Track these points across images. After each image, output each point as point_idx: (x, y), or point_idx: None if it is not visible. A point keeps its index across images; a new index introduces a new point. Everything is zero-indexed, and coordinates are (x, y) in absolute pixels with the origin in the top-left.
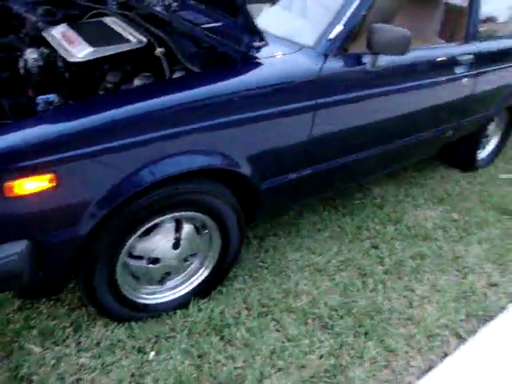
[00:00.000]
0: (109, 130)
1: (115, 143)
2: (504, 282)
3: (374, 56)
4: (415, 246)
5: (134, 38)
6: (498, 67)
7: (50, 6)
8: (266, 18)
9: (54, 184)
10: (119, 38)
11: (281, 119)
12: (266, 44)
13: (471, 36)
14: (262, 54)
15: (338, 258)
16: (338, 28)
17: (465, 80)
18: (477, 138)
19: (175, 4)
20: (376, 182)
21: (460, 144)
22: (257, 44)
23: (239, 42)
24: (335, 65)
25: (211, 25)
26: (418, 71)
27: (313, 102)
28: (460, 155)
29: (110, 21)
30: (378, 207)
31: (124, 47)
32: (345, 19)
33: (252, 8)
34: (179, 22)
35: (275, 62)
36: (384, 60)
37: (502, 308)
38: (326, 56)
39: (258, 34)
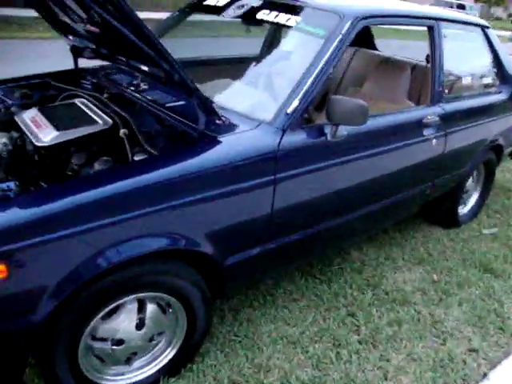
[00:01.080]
0: (64, 218)
1: (70, 230)
2: (484, 347)
3: (335, 127)
4: (393, 311)
5: (100, 119)
6: (466, 126)
7: (27, 89)
8: (226, 94)
9: (5, 275)
10: (86, 121)
11: (240, 196)
12: (225, 121)
13: (436, 98)
14: (221, 132)
15: (312, 329)
16: (295, 103)
17: (434, 141)
18: (456, 195)
19: (143, 84)
20: (356, 245)
21: (440, 201)
22: (216, 122)
23: (197, 121)
24: (294, 138)
25: (173, 104)
26: (384, 136)
27: (271, 177)
28: (441, 212)
29: (80, 102)
30: (357, 272)
31: (89, 130)
32: (301, 94)
33: (213, 84)
34: (145, 102)
35: (233, 139)
36: (348, 129)
37: (483, 376)
38: (284, 131)
39: (214, 114)
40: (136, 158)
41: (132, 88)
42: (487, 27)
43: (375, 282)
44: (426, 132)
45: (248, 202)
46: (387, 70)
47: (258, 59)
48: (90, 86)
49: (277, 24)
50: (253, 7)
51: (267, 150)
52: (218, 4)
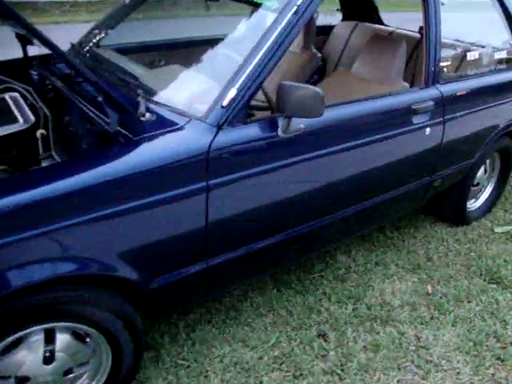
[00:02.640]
0: None
1: None
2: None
3: (287, 120)
4: (371, 332)
5: (22, 118)
6: (471, 110)
7: None
8: (164, 84)
9: None
10: (7, 119)
11: (163, 208)
12: (150, 118)
13: (432, 79)
14: (144, 131)
15: (273, 353)
16: (232, 93)
17: (428, 130)
18: (463, 188)
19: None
20: (346, 246)
21: (445, 195)
22: (141, 119)
23: (110, 120)
24: (233, 136)
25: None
26: (357, 128)
27: (202, 184)
28: (447, 208)
29: (10, 97)
30: (340, 280)
31: (8, 129)
32: (240, 82)
33: (154, 72)
34: (77, 95)
35: (156, 139)
36: (309, 120)
37: None
38: (219, 127)
39: (125, 111)
40: (44, 164)
41: (68, 80)
42: None
43: (358, 294)
44: (417, 120)
45: (173, 215)
46: (380, 46)
47: (209, 42)
48: (36, 77)
49: None
50: None
51: (196, 152)
52: None
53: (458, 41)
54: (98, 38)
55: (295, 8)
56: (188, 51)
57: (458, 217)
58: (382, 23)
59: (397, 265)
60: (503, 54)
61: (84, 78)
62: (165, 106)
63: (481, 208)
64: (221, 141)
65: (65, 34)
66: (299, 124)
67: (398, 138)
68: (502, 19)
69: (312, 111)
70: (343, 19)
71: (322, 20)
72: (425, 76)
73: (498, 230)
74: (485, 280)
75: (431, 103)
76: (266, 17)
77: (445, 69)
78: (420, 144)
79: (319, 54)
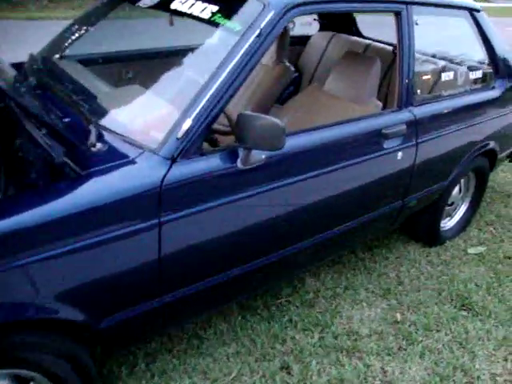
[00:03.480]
0: None
1: None
2: None
3: (246, 151)
4: (336, 365)
5: None
6: (445, 132)
7: None
8: (113, 107)
9: None
10: None
11: (110, 246)
12: (101, 149)
13: (404, 101)
14: (93, 164)
15: None
16: (187, 124)
17: (399, 154)
18: (437, 209)
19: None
20: (315, 269)
21: (419, 215)
22: (92, 150)
23: (56, 153)
24: (188, 169)
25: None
26: (322, 155)
27: (154, 221)
28: (421, 228)
29: None
30: (308, 306)
31: None
32: (197, 111)
33: (114, 92)
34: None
35: (105, 174)
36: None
37: None
38: (173, 160)
39: (71, 144)
40: None
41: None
42: (477, 10)
43: (325, 321)
44: (388, 144)
45: (123, 254)
46: (354, 63)
47: (178, 53)
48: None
49: (191, 16)
50: None
51: (147, 188)
52: None
53: (432, 61)
54: (62, 47)
55: (258, 31)
56: (156, 63)
57: (432, 237)
58: (360, 34)
59: (367, 289)
60: (478, 74)
61: (25, 111)
62: (118, 134)
63: (455, 227)
64: (174, 175)
65: (36, 31)
66: (260, 155)
67: (367, 163)
68: (478, 40)
69: (272, 144)
70: (320, 29)
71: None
72: (397, 98)
73: (471, 250)
74: (455, 307)
75: (403, 127)
76: (227, 40)
77: (419, 90)
78: (391, 169)
79: (292, 68)
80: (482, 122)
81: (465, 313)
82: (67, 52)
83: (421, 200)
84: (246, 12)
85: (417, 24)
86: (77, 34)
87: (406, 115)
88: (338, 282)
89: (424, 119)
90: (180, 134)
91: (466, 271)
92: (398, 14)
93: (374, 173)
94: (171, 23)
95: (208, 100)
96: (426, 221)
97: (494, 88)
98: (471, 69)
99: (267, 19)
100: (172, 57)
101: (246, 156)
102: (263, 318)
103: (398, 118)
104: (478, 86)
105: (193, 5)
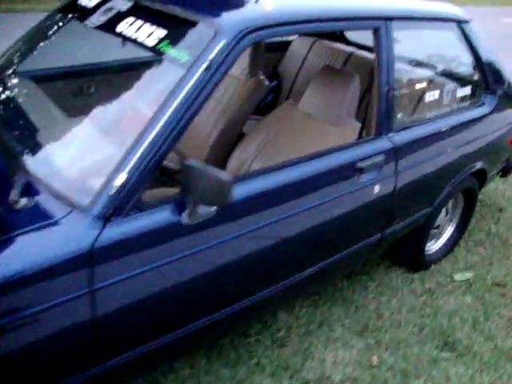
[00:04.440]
0: None
1: None
2: None
3: (192, 205)
4: None
5: None
6: (429, 159)
7: None
8: (54, 152)
9: None
10: None
11: (37, 321)
12: (27, 205)
13: (383, 127)
14: (16, 225)
15: None
16: (121, 178)
17: (377, 187)
18: (421, 235)
19: None
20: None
21: (403, 240)
22: (16, 207)
23: None
24: (125, 228)
25: None
26: (289, 196)
27: (83, 292)
28: (404, 253)
29: None
30: (278, 346)
31: None
32: (132, 163)
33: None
34: None
35: (27, 238)
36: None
37: None
38: (106, 219)
39: None
40: None
41: None
42: (466, 21)
43: (296, 365)
44: (363, 178)
45: (50, 330)
46: (330, 80)
47: (119, 86)
48: None
49: (136, 42)
50: (120, 13)
51: (75, 253)
52: (88, 6)
53: (416, 79)
54: (15, 60)
55: (207, 64)
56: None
57: (416, 262)
58: (345, 39)
59: (343, 325)
60: (466, 91)
61: None
62: (48, 186)
63: (441, 249)
64: (108, 236)
65: (15, 26)
66: (210, 207)
67: (339, 200)
68: (467, 54)
69: (218, 200)
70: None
71: None
72: (375, 125)
73: (457, 277)
74: (437, 347)
75: (381, 158)
76: (173, 73)
77: (399, 114)
78: (367, 203)
79: (267, 82)
80: (471, 142)
81: (447, 354)
82: (20, 67)
83: (403, 229)
84: (196, 39)
85: (398, 41)
86: (30, 48)
87: (384, 144)
88: (313, 316)
89: (405, 146)
90: (113, 191)
91: (452, 302)
92: (375, 31)
93: (347, 210)
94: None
95: (147, 148)
96: (409, 246)
97: (483, 104)
98: (459, 85)
99: (218, 49)
100: (118, 81)
101: (192, 209)
102: (229, 361)
103: (374, 148)
104: (466, 103)
105: (140, 27)
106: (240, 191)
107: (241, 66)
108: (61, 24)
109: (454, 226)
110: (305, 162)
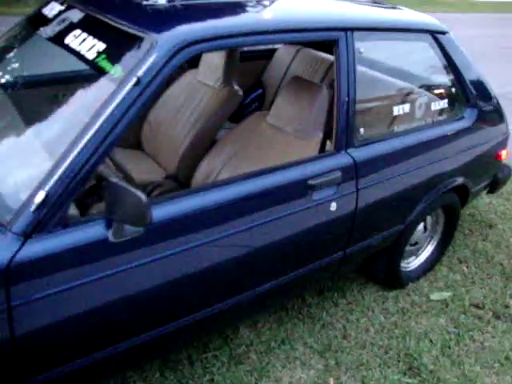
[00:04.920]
0: None
1: None
2: None
3: (116, 222)
4: None
5: None
6: (397, 174)
7: None
8: None
9: None
10: None
11: None
12: None
13: (343, 142)
14: None
15: None
16: (40, 196)
17: (333, 205)
18: (395, 252)
19: None
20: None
21: (376, 256)
22: None
23: None
24: (44, 246)
25: None
26: (227, 214)
27: (2, 307)
28: (378, 270)
29: None
30: (236, 363)
31: None
32: (53, 181)
33: None
34: None
35: None
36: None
37: None
38: (27, 236)
39: None
40: None
41: None
42: (442, 32)
43: None
44: (317, 196)
45: None
46: (299, 92)
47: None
48: None
49: (79, 55)
50: (71, 25)
51: None
52: (48, 16)
53: (384, 93)
54: None
55: (135, 79)
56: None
57: (391, 280)
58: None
59: (305, 343)
60: (443, 104)
61: None
62: None
63: (421, 267)
64: (26, 254)
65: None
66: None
67: (291, 217)
68: (445, 66)
69: (137, 221)
70: None
71: None
72: (334, 140)
73: (434, 296)
74: (400, 371)
75: (337, 174)
76: (104, 88)
77: (362, 129)
78: (323, 221)
79: (241, 92)
80: (448, 157)
81: (410, 379)
82: None
83: (371, 247)
84: (131, 54)
85: (360, 53)
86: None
87: (342, 160)
88: (276, 333)
89: (368, 162)
90: (34, 207)
91: (424, 323)
92: (335, 43)
93: (302, 227)
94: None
95: (71, 163)
96: (383, 263)
97: (462, 118)
98: (435, 98)
99: (148, 64)
100: (57, 94)
101: (117, 227)
102: (182, 377)
103: (331, 164)
104: (443, 117)
105: (84, 40)
106: (173, 210)
107: (216, 76)
108: (24, 33)
109: (435, 243)
110: (252, 178)
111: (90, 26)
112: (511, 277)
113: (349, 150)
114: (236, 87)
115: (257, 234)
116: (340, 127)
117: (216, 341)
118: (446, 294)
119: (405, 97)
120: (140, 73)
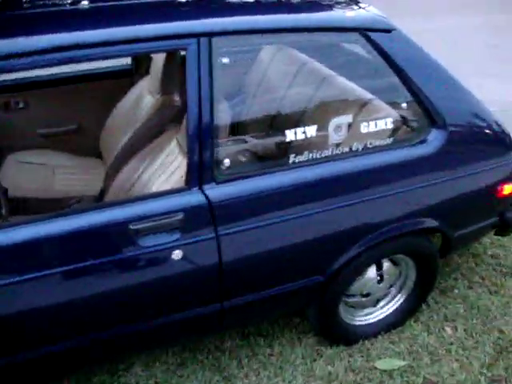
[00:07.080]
0: None
1: None
2: None
3: None
4: None
5: None
6: (299, 216)
7: None
8: None
9: None
10: None
11: None
12: None
13: (196, 176)
14: None
15: None
16: None
17: (177, 253)
18: (324, 304)
19: None
20: (147, 357)
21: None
22: None
23: None
24: None
25: None
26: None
27: None
28: (313, 319)
29: None
30: None
31: None
32: None
33: None
34: None
35: None
36: None
37: None
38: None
39: None
40: None
41: None
42: (387, 30)
43: None
44: (145, 242)
45: None
46: None
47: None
48: None
49: None
50: None
51: None
52: None
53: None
54: None
55: None
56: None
57: (328, 334)
58: None
59: None
60: (382, 125)
61: None
62: None
63: (384, 321)
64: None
65: None
66: None
67: (113, 265)
68: (383, 77)
69: None
70: None
71: None
72: (185, 175)
73: (380, 364)
74: None
75: (178, 217)
76: None
77: (226, 160)
78: (162, 270)
79: (178, 103)
80: (398, 192)
81: None
82: None
83: (274, 298)
84: None
85: (224, 63)
86: None
87: (188, 200)
88: (169, 378)
89: (234, 203)
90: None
91: None
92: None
93: (132, 277)
94: None
95: None
96: (314, 313)
97: (424, 142)
98: (369, 118)
99: None
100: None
101: None
102: None
103: (168, 205)
104: (387, 141)
105: None
106: None
107: (152, 86)
108: None
109: (406, 294)
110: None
111: None
112: (506, 350)
113: (204, 187)
114: (176, 97)
115: (89, 279)
116: (191, 158)
117: (101, 376)
118: (398, 364)
119: (309, 117)
120: None
